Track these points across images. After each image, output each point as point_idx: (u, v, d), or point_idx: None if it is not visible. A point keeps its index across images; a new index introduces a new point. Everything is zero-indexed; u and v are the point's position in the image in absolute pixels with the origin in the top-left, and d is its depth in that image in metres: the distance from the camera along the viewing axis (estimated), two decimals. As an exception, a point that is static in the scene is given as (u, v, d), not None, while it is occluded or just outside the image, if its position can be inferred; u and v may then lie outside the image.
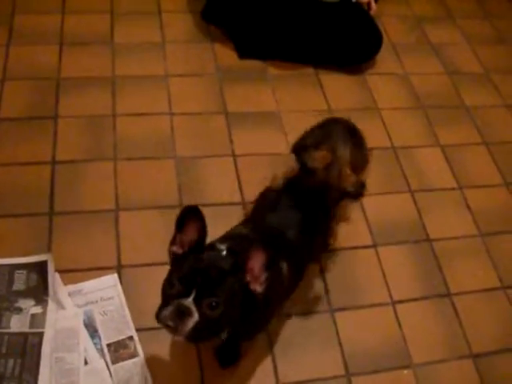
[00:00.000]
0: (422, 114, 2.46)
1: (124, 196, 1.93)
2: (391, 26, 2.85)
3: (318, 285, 1.84)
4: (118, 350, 1.59)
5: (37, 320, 1.58)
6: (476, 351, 1.79)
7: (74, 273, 1.72)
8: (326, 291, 1.83)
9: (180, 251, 1.28)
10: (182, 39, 2.55)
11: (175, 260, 1.28)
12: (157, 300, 1.67)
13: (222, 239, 1.38)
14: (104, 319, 1.64)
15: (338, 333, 1.74)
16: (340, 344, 1.72)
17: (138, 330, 1.63)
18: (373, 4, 2.55)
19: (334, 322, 1.76)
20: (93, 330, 1.62)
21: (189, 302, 1.17)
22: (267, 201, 1.62)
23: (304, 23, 2.43)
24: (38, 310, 1.60)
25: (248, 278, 1.24)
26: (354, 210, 1.94)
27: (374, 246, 1.97)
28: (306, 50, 2.52)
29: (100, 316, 1.65)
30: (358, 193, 1.58)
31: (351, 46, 2.48)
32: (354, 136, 1.66)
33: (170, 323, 1.17)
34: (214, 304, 1.18)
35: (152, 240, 1.83)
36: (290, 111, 2.12)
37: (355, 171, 1.57)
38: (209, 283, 1.18)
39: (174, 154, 2.06)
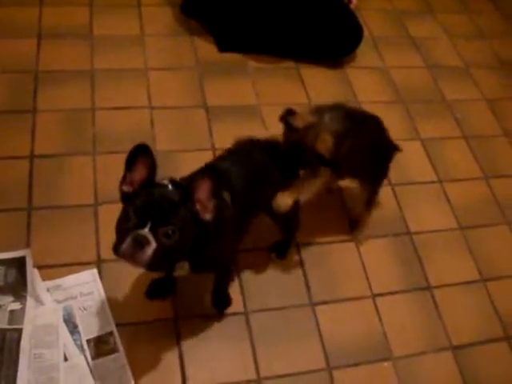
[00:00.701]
0: (402, 108, 2.47)
1: (103, 190, 1.92)
2: (372, 19, 2.85)
3: (299, 278, 1.84)
4: (98, 346, 1.58)
5: (15, 316, 1.57)
6: (455, 343, 1.81)
7: (53, 268, 1.71)
8: (307, 285, 1.83)
9: (130, 190, 1.32)
10: (162, 33, 2.54)
11: (126, 198, 1.32)
12: (137, 294, 1.69)
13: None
14: (84, 315, 1.63)
15: (318, 326, 1.75)
16: (321, 337, 1.72)
17: (118, 325, 1.62)
18: (353, -2, 2.56)
19: (315, 316, 1.76)
20: (72, 326, 1.61)
21: (145, 231, 1.23)
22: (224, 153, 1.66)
23: (284, 16, 2.42)
24: (16, 306, 1.59)
25: (197, 208, 1.30)
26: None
27: (355, 240, 1.98)
28: (286, 44, 2.51)
29: (80, 311, 1.64)
30: (332, 161, 1.57)
31: (331, 39, 2.48)
32: (358, 123, 1.66)
33: (130, 255, 1.23)
34: (169, 232, 1.24)
35: (132, 234, 1.81)
36: (270, 104, 2.12)
37: (345, 151, 1.58)
38: (162, 213, 1.25)
39: (153, 148, 1.97)
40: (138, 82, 2.29)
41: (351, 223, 2.02)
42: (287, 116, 1.59)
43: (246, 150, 1.63)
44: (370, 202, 1.97)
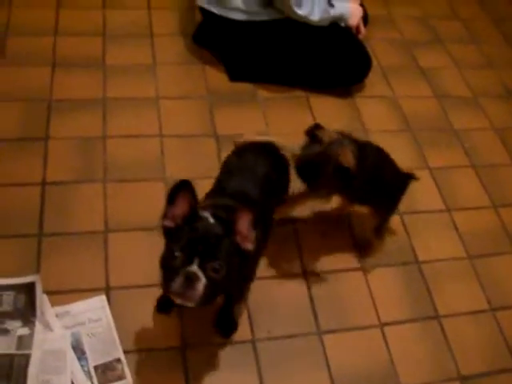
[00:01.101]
0: (410, 137, 2.48)
1: (113, 218, 1.93)
2: (380, 49, 2.88)
3: (306, 307, 1.84)
4: (106, 373, 1.58)
5: (24, 341, 1.57)
6: (464, 373, 1.79)
7: (62, 294, 1.71)
8: (314, 313, 1.83)
9: (172, 225, 1.34)
10: (174, 62, 2.57)
11: (168, 234, 1.35)
12: (145, 321, 1.69)
13: (203, 209, 1.41)
14: (92, 341, 1.63)
15: (325, 355, 1.74)
16: (328, 366, 1.71)
17: (125, 352, 1.62)
18: (362, 28, 2.59)
19: (322, 345, 1.76)
20: (80, 352, 1.61)
21: (195, 268, 1.26)
22: (228, 167, 1.73)
23: (294, 47, 2.45)
24: (25, 331, 1.59)
25: (238, 239, 1.33)
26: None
27: (362, 268, 1.97)
28: (295, 74, 2.54)
29: (88, 338, 1.64)
30: (354, 176, 1.63)
31: (341, 69, 2.51)
32: (360, 149, 1.71)
33: (181, 290, 1.25)
34: (217, 267, 1.27)
35: (141, 262, 1.83)
36: (280, 134, 2.12)
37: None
38: (209, 249, 1.28)
39: (163, 176, 2.07)
40: (149, 111, 2.32)
41: (359, 249, 2.02)
42: (315, 129, 1.69)
43: (251, 160, 1.69)
44: (380, 229, 1.98)
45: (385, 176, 1.87)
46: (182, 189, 1.32)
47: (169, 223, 1.35)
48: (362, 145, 1.76)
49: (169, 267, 1.30)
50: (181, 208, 1.33)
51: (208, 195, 1.62)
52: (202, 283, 1.25)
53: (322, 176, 1.67)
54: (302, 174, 1.68)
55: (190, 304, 1.30)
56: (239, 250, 1.34)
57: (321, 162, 1.65)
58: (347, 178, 1.64)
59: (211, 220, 1.35)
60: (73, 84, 2.37)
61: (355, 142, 1.72)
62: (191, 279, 1.25)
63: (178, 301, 1.30)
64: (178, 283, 1.26)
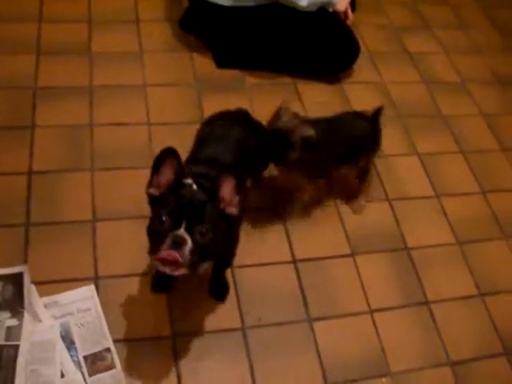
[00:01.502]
0: (399, 123, 2.48)
1: (101, 206, 1.92)
2: (368, 35, 2.87)
3: (296, 294, 1.84)
4: (95, 362, 1.57)
5: (12, 332, 1.56)
6: (454, 359, 1.80)
7: (50, 284, 1.70)
8: (304, 300, 1.83)
9: (157, 193, 1.38)
10: (160, 48, 2.55)
11: (153, 201, 1.39)
12: (134, 311, 1.69)
13: (185, 177, 1.43)
14: (81, 331, 1.63)
15: (316, 342, 1.74)
16: (318, 353, 1.72)
17: (115, 341, 1.62)
18: (350, 13, 2.57)
19: (313, 331, 1.76)
20: (69, 342, 1.60)
21: (182, 232, 1.28)
22: (201, 136, 1.78)
23: (281, 33, 2.44)
24: (13, 322, 1.58)
25: (222, 205, 1.38)
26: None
27: (352, 254, 1.97)
28: (283, 60, 2.53)
29: (77, 328, 1.63)
30: (315, 145, 1.78)
31: (328, 55, 2.50)
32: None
33: (170, 254, 1.26)
34: (204, 231, 1.30)
35: (129, 251, 1.82)
36: (268, 120, 2.11)
37: None
38: (196, 213, 1.31)
39: (151, 164, 2.04)
40: (136, 98, 2.30)
41: (349, 197, 2.13)
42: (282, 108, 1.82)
43: (223, 128, 1.74)
44: (364, 175, 2.08)
45: (350, 132, 1.98)
46: (167, 156, 1.36)
47: (154, 191, 1.38)
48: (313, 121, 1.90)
49: (157, 232, 1.31)
50: (166, 176, 1.37)
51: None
52: (189, 246, 1.27)
53: (291, 148, 1.77)
54: (271, 148, 1.80)
55: (177, 272, 1.30)
56: (224, 214, 1.38)
57: (287, 134, 1.76)
58: (312, 146, 1.76)
59: (194, 187, 1.38)
60: (58, 71, 2.34)
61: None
62: (179, 242, 1.27)
63: (164, 268, 1.30)
64: (166, 246, 1.27)
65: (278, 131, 1.78)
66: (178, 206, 1.32)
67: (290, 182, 2.03)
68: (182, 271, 1.31)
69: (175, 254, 1.26)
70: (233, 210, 1.39)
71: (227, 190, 1.37)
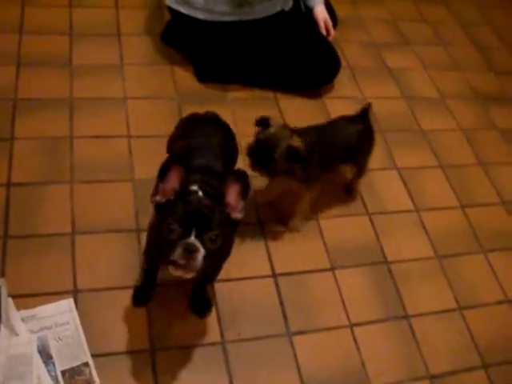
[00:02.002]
0: (379, 138, 2.47)
1: (81, 219, 1.91)
2: (349, 51, 2.89)
3: (276, 308, 1.84)
4: (73, 377, 1.56)
5: (-12, 347, 1.54)
6: (433, 372, 1.81)
7: (28, 298, 1.69)
8: (284, 314, 1.82)
9: (163, 200, 1.39)
10: (142, 62, 2.55)
11: (159, 209, 1.40)
12: (113, 324, 1.67)
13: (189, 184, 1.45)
14: (59, 345, 1.61)
15: (296, 356, 1.74)
16: (298, 367, 1.71)
17: (93, 355, 1.60)
18: (331, 29, 2.59)
19: (292, 346, 1.76)
20: (47, 357, 1.58)
21: (193, 239, 1.30)
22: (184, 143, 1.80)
23: (263, 48, 2.45)
24: (-11, 336, 1.56)
25: (228, 210, 1.40)
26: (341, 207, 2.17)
27: (332, 268, 1.98)
28: (265, 75, 2.54)
29: (55, 342, 1.61)
30: (303, 158, 1.80)
31: (310, 70, 2.51)
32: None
33: (183, 262, 1.29)
34: (213, 237, 1.32)
35: (109, 264, 1.81)
36: (249, 135, 2.12)
37: None
38: (204, 220, 1.32)
39: (131, 177, 2.04)
40: (116, 111, 2.29)
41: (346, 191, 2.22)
42: (264, 119, 1.82)
43: (207, 135, 1.78)
44: (361, 171, 2.13)
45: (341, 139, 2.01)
46: (173, 164, 1.37)
47: (160, 198, 1.40)
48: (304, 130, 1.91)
49: (166, 240, 1.33)
50: (171, 183, 1.38)
51: None
52: (201, 254, 1.29)
53: (275, 158, 1.77)
54: (256, 158, 1.79)
55: (189, 275, 1.33)
56: (230, 219, 1.40)
57: (272, 145, 1.77)
58: (298, 158, 1.78)
59: (200, 193, 1.41)
60: (39, 83, 2.33)
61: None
62: (191, 250, 1.29)
63: (178, 272, 1.32)
64: (177, 255, 1.29)
65: (263, 142, 1.79)
66: (187, 213, 1.33)
67: (287, 192, 2.04)
68: (192, 275, 1.34)
69: (187, 264, 1.30)
70: (238, 215, 1.42)
71: (233, 195, 1.39)
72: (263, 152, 1.78)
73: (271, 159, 1.77)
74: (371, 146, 2.12)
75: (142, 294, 1.75)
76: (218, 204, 1.38)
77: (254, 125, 1.82)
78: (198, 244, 1.30)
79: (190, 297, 1.77)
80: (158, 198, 1.40)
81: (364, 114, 2.05)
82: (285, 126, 1.86)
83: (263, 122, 1.83)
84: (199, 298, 1.77)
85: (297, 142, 1.78)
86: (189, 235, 1.30)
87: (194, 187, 1.43)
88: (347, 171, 2.09)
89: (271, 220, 2.07)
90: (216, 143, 1.75)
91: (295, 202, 2.03)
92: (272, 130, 1.81)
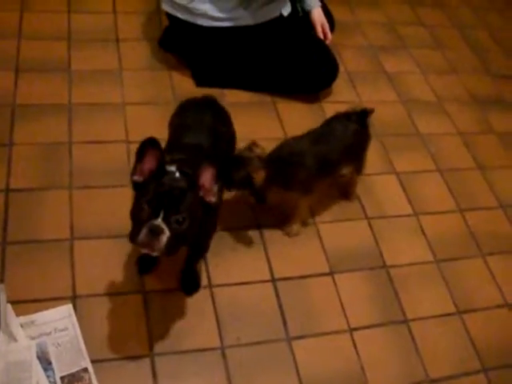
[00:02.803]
0: (377, 142, 2.49)
1: (79, 225, 1.91)
2: (347, 55, 2.90)
3: (275, 313, 1.84)
4: (73, 383, 1.55)
5: (-13, 353, 1.54)
6: (433, 376, 1.80)
7: (27, 304, 1.68)
8: (283, 319, 1.82)
9: (141, 179, 1.43)
10: (140, 67, 2.56)
11: (137, 187, 1.44)
12: (113, 330, 1.67)
13: (169, 164, 1.48)
14: (58, 351, 1.61)
15: (295, 361, 1.73)
16: (297, 372, 1.71)
17: (93, 361, 1.60)
18: (328, 33, 2.60)
19: (292, 351, 1.75)
20: (46, 363, 1.58)
21: (159, 221, 1.34)
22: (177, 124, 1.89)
23: (261, 53, 2.46)
24: (-12, 342, 1.56)
25: (202, 193, 1.43)
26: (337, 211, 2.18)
27: (331, 273, 1.98)
28: (262, 79, 2.55)
29: (54, 348, 1.61)
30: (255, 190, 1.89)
31: (307, 74, 2.51)
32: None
33: (147, 243, 1.34)
34: (180, 220, 1.36)
35: (107, 269, 1.81)
36: (247, 139, 2.12)
37: None
38: (173, 202, 1.36)
39: (129, 183, 2.03)
40: (115, 117, 2.29)
41: (342, 194, 2.22)
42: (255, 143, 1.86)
43: (196, 115, 1.84)
44: (360, 168, 2.14)
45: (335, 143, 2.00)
46: (149, 146, 1.40)
47: (137, 178, 1.44)
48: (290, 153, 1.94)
49: (136, 219, 1.38)
50: (148, 163, 1.42)
51: (164, 150, 1.67)
52: (165, 235, 1.34)
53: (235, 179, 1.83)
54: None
55: (155, 253, 1.38)
56: (203, 202, 1.44)
57: (236, 166, 1.82)
58: (249, 186, 1.87)
59: (177, 174, 1.43)
60: (37, 89, 2.33)
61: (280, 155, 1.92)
62: (156, 231, 1.33)
63: (144, 250, 1.38)
64: (143, 235, 1.34)
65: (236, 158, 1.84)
66: (157, 194, 1.37)
67: (280, 200, 2.06)
68: (158, 253, 1.38)
69: (152, 244, 1.34)
70: (212, 199, 1.44)
71: (207, 178, 1.42)
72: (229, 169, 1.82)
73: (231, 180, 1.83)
74: (368, 141, 2.13)
75: (146, 262, 1.82)
76: (191, 186, 1.41)
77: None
78: (163, 226, 1.34)
79: (180, 279, 1.83)
80: (135, 177, 1.44)
81: (363, 115, 2.05)
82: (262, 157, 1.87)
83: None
84: (188, 277, 1.83)
85: (258, 167, 1.82)
86: (156, 216, 1.34)
87: (172, 168, 1.45)
88: (347, 171, 2.08)
89: (269, 224, 2.07)
90: (208, 124, 1.80)
91: (293, 207, 2.04)
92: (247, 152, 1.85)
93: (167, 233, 1.34)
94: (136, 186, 1.45)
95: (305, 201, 2.01)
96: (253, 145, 1.85)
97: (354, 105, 2.55)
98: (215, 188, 1.44)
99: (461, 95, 2.91)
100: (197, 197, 1.42)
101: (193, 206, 1.40)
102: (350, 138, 2.01)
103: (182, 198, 1.37)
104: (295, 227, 2.05)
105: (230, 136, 1.94)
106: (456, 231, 2.25)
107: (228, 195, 1.96)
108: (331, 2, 2.75)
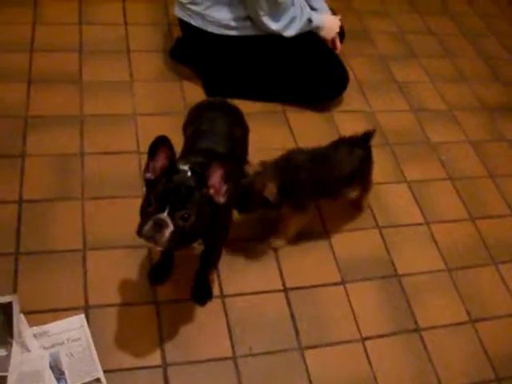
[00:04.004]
0: (388, 151, 2.50)
1: (91, 236, 1.92)
2: (357, 64, 2.91)
3: (287, 322, 1.83)
4: (85, 393, 1.56)
5: (1, 363, 1.54)
6: (445, 386, 1.80)
7: (40, 314, 1.69)
8: (295, 329, 1.82)
9: (152, 177, 1.46)
10: (151, 78, 2.57)
11: (149, 184, 1.47)
12: (125, 340, 1.67)
13: (183, 164, 1.51)
14: (71, 361, 1.61)
15: (307, 371, 1.73)
16: (310, 382, 1.71)
17: (105, 371, 1.60)
18: (338, 43, 2.61)
19: (304, 360, 1.75)
20: (59, 373, 1.58)
21: (164, 215, 1.37)
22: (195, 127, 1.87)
23: (271, 62, 2.47)
24: (1, 352, 1.56)
25: (211, 192, 1.44)
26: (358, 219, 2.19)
27: (343, 282, 1.97)
28: (273, 89, 2.56)
29: (66, 358, 1.62)
30: (275, 205, 1.85)
31: (318, 84, 2.52)
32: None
33: (151, 235, 1.37)
34: (185, 216, 1.38)
35: (120, 280, 1.82)
36: (258, 149, 2.13)
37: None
38: (179, 199, 1.38)
39: (141, 193, 2.04)
40: (126, 127, 2.31)
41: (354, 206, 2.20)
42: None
43: (213, 118, 1.86)
44: (367, 187, 2.12)
45: (334, 167, 1.97)
46: (161, 144, 1.44)
47: (150, 175, 1.47)
48: (287, 160, 1.93)
49: (144, 214, 1.41)
50: (160, 161, 1.45)
51: (181, 155, 1.73)
52: (169, 229, 1.36)
53: (251, 205, 1.87)
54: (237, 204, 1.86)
55: (159, 247, 1.41)
56: (211, 202, 1.45)
57: (248, 195, 1.84)
58: (272, 205, 1.84)
59: (188, 173, 1.45)
60: (49, 100, 2.35)
61: (279, 163, 1.92)
62: (160, 225, 1.36)
63: (149, 244, 1.41)
64: (148, 227, 1.37)
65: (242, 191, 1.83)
66: (165, 191, 1.40)
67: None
68: (161, 247, 1.42)
69: (155, 237, 1.36)
70: (221, 199, 1.46)
71: (216, 178, 1.43)
72: (241, 199, 1.83)
73: (247, 207, 1.88)
74: (371, 164, 2.09)
75: (159, 273, 1.84)
76: (200, 185, 1.42)
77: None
78: (168, 220, 1.37)
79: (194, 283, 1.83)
80: (148, 175, 1.47)
81: (366, 139, 2.02)
82: (262, 171, 1.88)
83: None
84: (200, 286, 1.84)
85: (271, 188, 1.81)
86: (162, 211, 1.37)
87: (185, 167, 1.48)
88: (352, 193, 2.05)
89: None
90: (225, 128, 1.82)
91: (283, 222, 2.01)
92: (250, 177, 1.86)
93: (171, 227, 1.36)
94: (148, 183, 1.48)
95: (297, 218, 1.98)
96: (250, 166, 1.89)
97: (365, 114, 2.58)
98: (224, 188, 1.45)
99: (471, 103, 2.90)
100: (205, 196, 1.43)
101: (199, 204, 1.41)
102: (355, 163, 1.98)
103: (188, 195, 1.40)
104: (279, 242, 2.02)
105: (243, 136, 1.95)
106: (468, 239, 2.24)
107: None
108: (340, 12, 2.76)
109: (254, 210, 1.91)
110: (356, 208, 2.20)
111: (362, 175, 2.05)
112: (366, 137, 2.02)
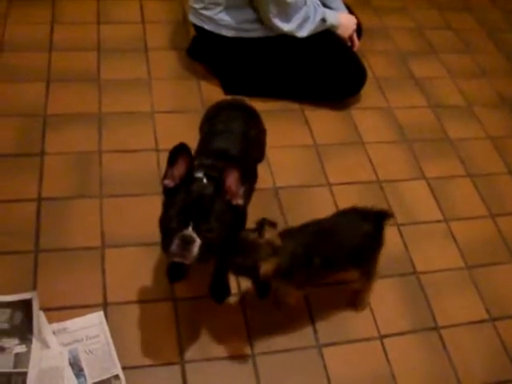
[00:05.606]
0: (406, 148, 2.48)
1: (110, 233, 1.93)
2: (375, 61, 2.89)
3: (305, 319, 1.83)
4: (104, 389, 1.57)
5: (21, 359, 1.56)
6: (465, 385, 1.78)
7: (59, 311, 1.70)
8: (313, 326, 1.82)
9: (171, 184, 1.46)
10: (168, 76, 2.58)
11: (167, 192, 1.47)
12: (143, 337, 1.68)
13: (196, 170, 1.51)
14: (89, 358, 1.62)
15: (325, 368, 1.72)
16: (328, 379, 1.70)
17: (124, 368, 1.61)
18: (355, 40, 2.59)
19: (322, 358, 1.75)
20: (78, 369, 1.59)
21: (189, 231, 1.37)
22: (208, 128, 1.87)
23: (288, 60, 2.46)
24: (22, 349, 1.58)
25: (228, 197, 1.45)
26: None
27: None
28: (290, 87, 2.55)
29: (85, 354, 1.63)
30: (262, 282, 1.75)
31: (336, 81, 2.51)
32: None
33: (179, 253, 1.37)
34: (210, 228, 1.38)
35: (138, 277, 1.83)
36: (276, 147, 2.13)
37: None
38: (202, 212, 1.39)
39: (160, 191, 2.05)
40: (144, 125, 2.32)
41: (351, 300, 1.90)
42: (266, 221, 1.50)
43: (227, 119, 1.83)
44: (368, 276, 1.83)
45: (342, 240, 1.70)
46: (180, 151, 1.44)
47: (169, 183, 1.47)
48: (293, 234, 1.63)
49: (166, 229, 1.41)
50: (179, 169, 1.45)
51: (195, 155, 1.70)
52: (197, 244, 1.37)
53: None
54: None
55: (187, 262, 1.40)
56: (230, 206, 1.45)
57: (248, 270, 1.52)
58: (256, 278, 1.67)
59: (204, 180, 1.47)
60: (68, 99, 2.37)
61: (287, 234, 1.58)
62: (187, 241, 1.36)
63: (177, 259, 1.41)
64: (175, 246, 1.37)
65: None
66: (186, 204, 1.39)
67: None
68: (190, 261, 1.40)
69: (184, 253, 1.37)
70: (238, 201, 1.46)
71: (232, 181, 1.43)
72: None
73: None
74: (381, 246, 1.76)
75: (177, 271, 1.83)
76: (219, 191, 1.43)
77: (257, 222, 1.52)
78: (194, 235, 1.36)
79: (211, 281, 1.82)
80: (167, 182, 1.47)
81: (381, 217, 1.73)
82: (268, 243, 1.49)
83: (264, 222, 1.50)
84: (218, 283, 1.83)
85: (267, 269, 1.50)
86: (186, 226, 1.37)
87: (200, 174, 1.48)
88: (352, 276, 1.82)
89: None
90: (239, 129, 1.80)
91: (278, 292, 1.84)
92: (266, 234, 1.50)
93: (198, 242, 1.37)
94: (167, 191, 1.47)
95: (293, 291, 1.79)
96: (264, 224, 1.50)
97: (383, 111, 2.56)
98: (241, 190, 1.45)
99: (491, 99, 2.88)
100: (224, 202, 1.44)
101: (221, 212, 1.42)
102: (359, 239, 1.70)
103: (210, 206, 1.40)
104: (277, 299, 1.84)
105: (259, 137, 1.94)
106: (487, 237, 2.22)
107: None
108: (358, 9, 2.75)
109: (239, 272, 1.60)
110: (351, 305, 1.89)
111: (363, 255, 1.74)
112: (380, 215, 1.73)
